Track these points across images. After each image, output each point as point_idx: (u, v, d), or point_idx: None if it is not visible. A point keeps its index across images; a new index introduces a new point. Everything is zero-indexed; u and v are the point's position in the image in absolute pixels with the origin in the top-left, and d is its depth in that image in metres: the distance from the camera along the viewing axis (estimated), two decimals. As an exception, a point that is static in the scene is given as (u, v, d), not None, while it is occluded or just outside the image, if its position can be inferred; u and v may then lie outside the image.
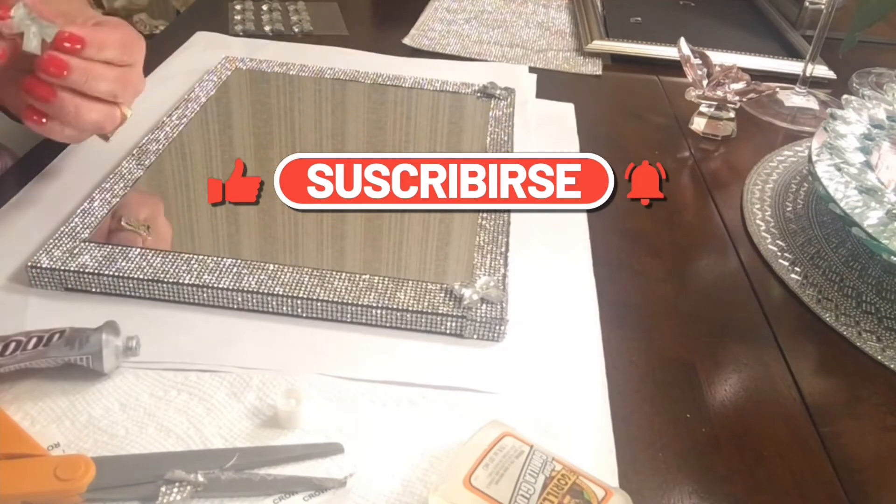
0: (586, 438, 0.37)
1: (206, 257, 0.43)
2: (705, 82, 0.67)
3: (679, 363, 0.43)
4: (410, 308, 0.41)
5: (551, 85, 0.74)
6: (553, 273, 0.47)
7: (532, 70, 0.76)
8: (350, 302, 0.41)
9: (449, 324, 0.41)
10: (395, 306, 0.41)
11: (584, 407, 0.38)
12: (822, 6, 0.73)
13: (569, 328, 0.43)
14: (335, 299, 0.41)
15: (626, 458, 0.36)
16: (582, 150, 0.62)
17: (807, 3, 0.92)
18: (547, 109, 0.68)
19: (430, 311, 0.41)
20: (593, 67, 0.80)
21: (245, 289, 0.41)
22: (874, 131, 0.58)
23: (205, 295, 0.42)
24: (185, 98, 0.60)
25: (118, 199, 0.47)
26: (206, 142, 0.56)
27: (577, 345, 0.42)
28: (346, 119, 0.62)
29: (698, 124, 0.68)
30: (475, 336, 0.41)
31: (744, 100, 0.67)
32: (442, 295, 0.42)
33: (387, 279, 0.43)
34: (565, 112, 0.68)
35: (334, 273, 0.43)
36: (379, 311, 0.41)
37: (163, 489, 0.31)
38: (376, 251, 0.47)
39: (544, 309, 0.44)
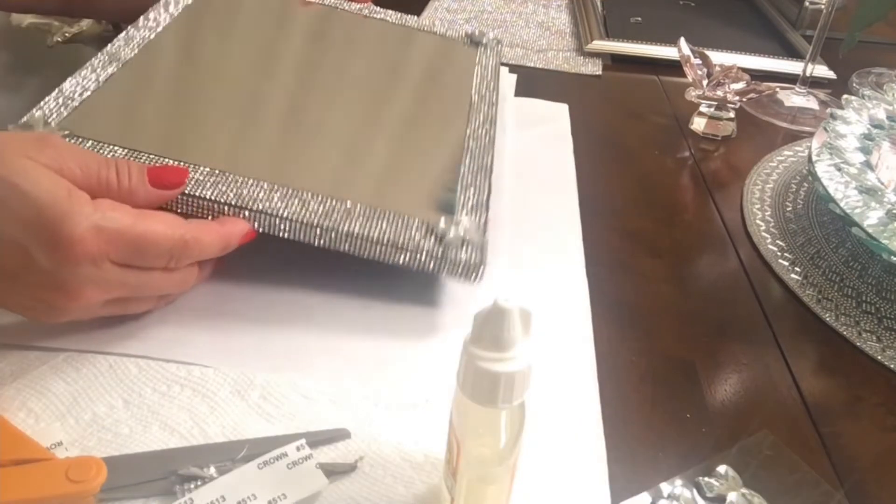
0: (577, 441, 0.37)
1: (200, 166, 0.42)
2: (705, 82, 0.67)
3: (679, 363, 0.43)
4: (388, 241, 0.40)
5: (551, 85, 0.74)
6: (544, 274, 0.48)
7: (532, 70, 0.77)
8: (325, 226, 0.40)
9: (427, 261, 0.41)
10: (373, 237, 0.40)
11: (575, 408, 0.39)
12: (822, 6, 0.73)
13: (560, 328, 0.43)
14: (311, 221, 0.40)
15: (625, 458, 0.36)
16: (580, 150, 0.62)
17: (807, 3, 0.92)
18: (539, 110, 0.68)
19: (410, 247, 0.40)
20: (593, 67, 0.80)
21: (221, 200, 0.40)
22: (874, 131, 0.58)
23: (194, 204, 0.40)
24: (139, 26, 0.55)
25: None
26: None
27: (569, 344, 0.42)
28: (325, 49, 0.60)
29: (698, 124, 0.68)
30: (455, 274, 0.41)
31: (744, 100, 0.67)
32: (423, 231, 0.41)
33: (367, 208, 0.42)
34: (559, 113, 0.68)
35: (311, 194, 0.42)
36: (357, 241, 0.40)
37: (178, 487, 0.32)
38: (356, 179, 0.46)
39: (536, 310, 0.44)
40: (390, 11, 0.67)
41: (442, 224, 0.42)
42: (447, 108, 0.56)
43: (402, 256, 0.41)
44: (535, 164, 0.59)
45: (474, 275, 0.41)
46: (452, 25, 0.68)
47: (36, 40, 0.85)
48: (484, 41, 0.65)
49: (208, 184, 0.41)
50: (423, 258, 0.41)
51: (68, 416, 0.35)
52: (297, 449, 0.33)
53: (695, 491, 0.35)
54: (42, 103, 0.44)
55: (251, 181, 0.42)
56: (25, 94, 0.81)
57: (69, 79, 0.46)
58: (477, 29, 0.66)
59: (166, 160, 0.42)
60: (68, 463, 0.31)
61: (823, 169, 0.53)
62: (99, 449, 0.34)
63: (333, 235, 0.41)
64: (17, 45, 0.83)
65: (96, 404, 0.36)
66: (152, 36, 0.54)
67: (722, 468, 0.36)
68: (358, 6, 0.67)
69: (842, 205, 0.49)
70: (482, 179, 0.47)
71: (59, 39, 0.82)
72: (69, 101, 0.45)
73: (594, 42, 0.83)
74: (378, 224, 0.41)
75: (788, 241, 0.54)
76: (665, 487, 0.35)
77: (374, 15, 0.66)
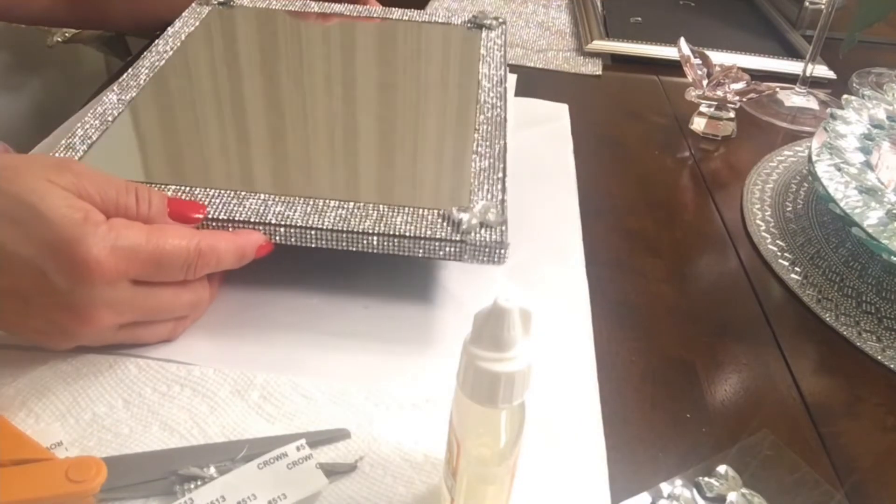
0: (577, 441, 0.37)
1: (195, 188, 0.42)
2: (705, 82, 0.67)
3: (679, 363, 0.43)
4: (408, 234, 0.40)
5: (551, 85, 0.74)
6: (544, 273, 0.48)
7: (532, 70, 0.76)
8: (344, 230, 0.40)
9: (448, 249, 0.40)
10: (391, 232, 0.40)
11: (575, 408, 0.39)
12: (822, 6, 0.73)
13: (560, 328, 0.43)
14: (330, 226, 0.40)
15: (625, 457, 0.36)
16: (580, 150, 0.62)
17: (807, 3, 0.92)
18: (539, 110, 0.68)
19: (428, 236, 0.40)
20: (593, 67, 0.80)
21: (237, 219, 0.41)
22: (874, 131, 0.58)
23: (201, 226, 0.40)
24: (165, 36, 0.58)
25: None
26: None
27: (569, 344, 0.42)
28: (328, 57, 0.61)
29: (698, 124, 0.68)
30: (477, 258, 0.40)
31: (744, 100, 0.67)
32: (440, 221, 0.41)
33: (383, 206, 0.42)
34: (559, 113, 0.68)
35: (326, 201, 0.42)
36: (375, 238, 0.40)
37: (178, 487, 0.32)
38: (370, 180, 0.47)
39: (536, 310, 0.44)
40: (393, 9, 0.67)
41: (457, 210, 0.41)
42: (456, 97, 0.56)
43: (421, 247, 0.40)
44: (535, 164, 0.59)
45: (496, 256, 0.40)
46: (457, 13, 0.69)
47: (36, 40, 0.85)
48: (486, 23, 0.65)
49: (220, 205, 0.41)
50: (442, 247, 0.40)
51: (68, 416, 0.35)
52: (297, 449, 0.33)
53: (695, 491, 0.35)
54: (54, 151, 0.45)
55: (262, 196, 0.42)
56: (25, 94, 0.81)
57: (78, 124, 0.47)
58: (478, 11, 0.66)
59: (181, 188, 0.42)
60: (68, 463, 0.31)
61: (823, 169, 0.53)
62: (99, 449, 0.34)
63: (349, 237, 0.40)
64: (17, 45, 0.84)
65: (96, 404, 0.36)
66: (159, 65, 0.55)
67: (722, 468, 0.36)
68: (360, 8, 0.67)
69: (842, 205, 0.49)
70: (496, 161, 0.47)
71: (59, 39, 0.82)
72: (79, 145, 0.46)
73: (594, 42, 0.83)
74: (393, 220, 0.41)
75: (788, 241, 0.54)
76: (665, 487, 0.35)
77: (376, 15, 0.66)
